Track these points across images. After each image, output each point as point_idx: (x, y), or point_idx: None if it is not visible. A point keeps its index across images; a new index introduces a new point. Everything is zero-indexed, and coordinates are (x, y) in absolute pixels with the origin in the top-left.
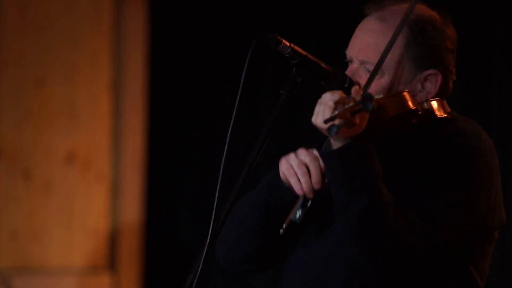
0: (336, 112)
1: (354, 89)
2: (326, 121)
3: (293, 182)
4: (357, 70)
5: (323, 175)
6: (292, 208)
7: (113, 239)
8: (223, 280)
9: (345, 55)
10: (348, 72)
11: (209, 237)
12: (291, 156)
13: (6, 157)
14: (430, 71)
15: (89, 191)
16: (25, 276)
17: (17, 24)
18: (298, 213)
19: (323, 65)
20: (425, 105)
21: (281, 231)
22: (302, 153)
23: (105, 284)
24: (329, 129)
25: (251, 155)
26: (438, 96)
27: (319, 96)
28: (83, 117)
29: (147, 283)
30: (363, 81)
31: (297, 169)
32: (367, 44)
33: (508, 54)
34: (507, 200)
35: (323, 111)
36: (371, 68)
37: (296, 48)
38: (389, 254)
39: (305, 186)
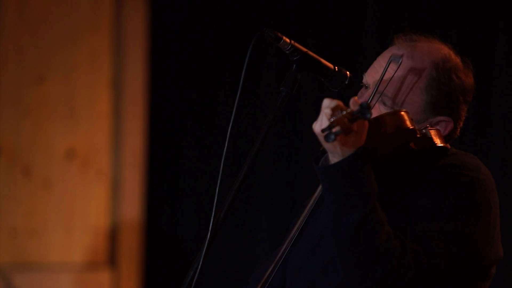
0: (334, 118)
1: (352, 100)
2: (323, 130)
3: None
4: (373, 98)
5: None
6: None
7: (113, 236)
8: (222, 278)
9: (359, 76)
10: (361, 97)
11: (209, 234)
12: None
13: (5, 155)
14: (444, 117)
15: (89, 188)
16: (25, 273)
17: (17, 23)
18: None
19: (323, 61)
20: (424, 130)
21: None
22: None
23: (105, 281)
24: (326, 136)
25: (251, 152)
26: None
27: (320, 95)
28: (83, 115)
29: (147, 279)
30: (375, 112)
31: None
32: (389, 76)
33: (508, 54)
34: (507, 203)
35: (321, 118)
36: (387, 100)
37: (296, 44)
38: (379, 272)
39: None
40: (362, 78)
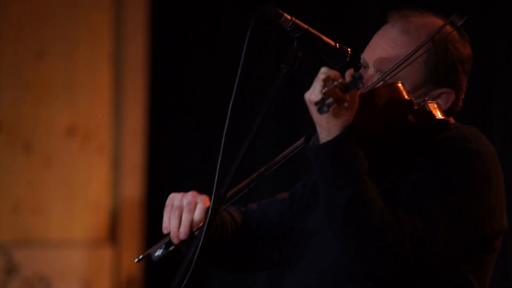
0: (326, 89)
1: (348, 72)
2: (317, 103)
3: (164, 218)
4: (372, 77)
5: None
6: (160, 241)
7: (114, 212)
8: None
9: (356, 56)
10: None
11: (210, 211)
12: (177, 195)
13: (6, 130)
14: (445, 89)
15: (90, 164)
16: (26, 249)
17: None
18: (159, 252)
19: (324, 38)
20: (422, 103)
21: (136, 260)
22: (187, 197)
23: (106, 257)
24: (319, 109)
25: (253, 129)
26: (447, 113)
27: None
28: (84, 90)
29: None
30: None
31: (173, 210)
32: (388, 54)
33: (508, 54)
34: (508, 203)
35: (315, 87)
36: (387, 78)
37: (298, 21)
38: (372, 247)
39: (171, 230)
40: (360, 59)
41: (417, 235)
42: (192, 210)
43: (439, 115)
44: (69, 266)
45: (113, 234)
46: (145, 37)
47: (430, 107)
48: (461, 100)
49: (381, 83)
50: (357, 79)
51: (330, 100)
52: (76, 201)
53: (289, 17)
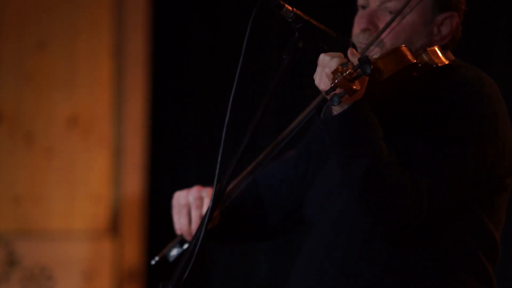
0: (336, 81)
1: (349, 52)
2: (327, 92)
3: (175, 219)
4: (376, 12)
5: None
6: (173, 240)
7: (115, 204)
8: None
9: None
10: (363, 16)
11: (211, 203)
12: (182, 193)
13: (7, 122)
14: (449, 13)
15: (91, 155)
16: (27, 240)
17: None
18: (174, 251)
19: (325, 29)
20: (424, 56)
21: (153, 262)
22: (192, 194)
23: (108, 249)
24: (331, 99)
25: (254, 120)
26: (448, 43)
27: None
28: (85, 81)
29: (150, 247)
30: (383, 24)
31: (180, 209)
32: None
33: (508, 54)
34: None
35: (323, 77)
36: (392, 7)
37: (299, 12)
38: (392, 213)
39: (183, 228)
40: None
41: (433, 196)
42: (200, 206)
43: (440, 61)
44: (70, 257)
45: (114, 226)
46: (146, 28)
47: (432, 56)
48: (461, 27)
49: (384, 51)
50: (365, 64)
51: (340, 91)
52: (77, 192)
53: (290, 8)
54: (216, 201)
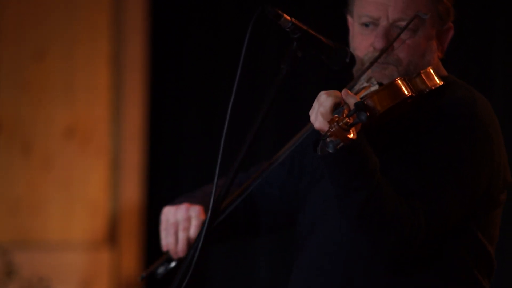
0: (332, 131)
1: (344, 92)
2: (322, 138)
3: (162, 235)
4: (390, 31)
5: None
6: (161, 258)
7: (113, 214)
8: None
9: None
10: (379, 36)
11: (210, 211)
12: (171, 210)
13: (5, 131)
14: (447, 25)
15: (89, 164)
16: (25, 250)
17: None
18: (161, 269)
19: (324, 39)
20: (418, 81)
21: (140, 278)
22: (181, 213)
23: (106, 259)
24: (327, 145)
25: (252, 130)
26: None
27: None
28: (83, 90)
29: (148, 258)
30: (399, 43)
31: (168, 227)
32: (402, 0)
33: (507, 54)
34: (507, 206)
35: (318, 117)
36: (405, 25)
37: (297, 22)
38: (389, 240)
39: (169, 246)
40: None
41: (430, 220)
42: (187, 228)
43: (434, 83)
44: (68, 267)
45: (112, 236)
46: (145, 37)
47: (426, 80)
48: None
49: (377, 87)
50: (361, 112)
51: (336, 139)
52: (75, 203)
53: (288, 18)
54: (214, 210)
